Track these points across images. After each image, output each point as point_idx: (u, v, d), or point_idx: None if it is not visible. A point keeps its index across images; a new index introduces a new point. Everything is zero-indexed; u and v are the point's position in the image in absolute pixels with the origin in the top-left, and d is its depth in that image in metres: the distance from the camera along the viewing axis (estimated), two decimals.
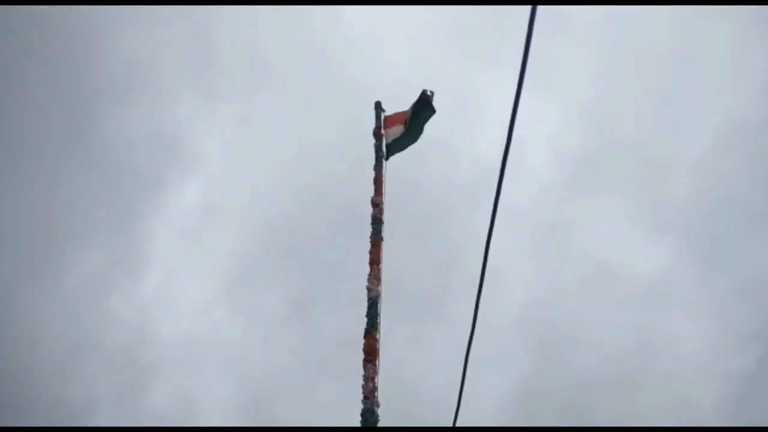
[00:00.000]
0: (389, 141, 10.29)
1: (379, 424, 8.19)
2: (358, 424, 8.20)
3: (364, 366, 8.53)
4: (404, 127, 10.10)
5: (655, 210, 27.40)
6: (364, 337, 8.75)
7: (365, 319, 8.92)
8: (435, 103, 9.92)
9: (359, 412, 8.29)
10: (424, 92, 9.90)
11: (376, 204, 9.75)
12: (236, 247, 28.86)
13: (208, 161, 30.85)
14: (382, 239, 9.50)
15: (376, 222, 9.63)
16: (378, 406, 8.31)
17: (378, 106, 10.68)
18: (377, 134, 10.40)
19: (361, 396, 8.38)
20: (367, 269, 9.23)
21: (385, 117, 10.56)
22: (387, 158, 10.27)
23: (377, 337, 8.72)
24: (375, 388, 8.37)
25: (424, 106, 9.92)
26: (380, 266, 9.25)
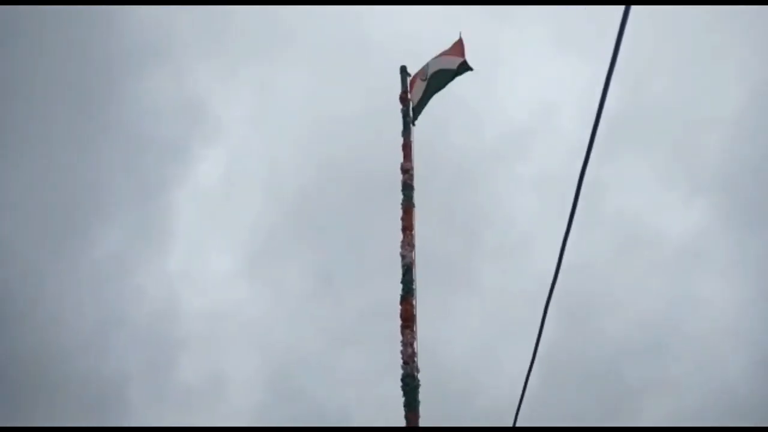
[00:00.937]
0: (415, 104, 10.15)
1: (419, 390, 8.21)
2: (399, 389, 8.22)
3: (402, 332, 8.52)
4: (424, 83, 9.96)
5: (689, 170, 26.84)
6: (401, 303, 8.73)
7: (400, 286, 8.90)
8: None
9: (399, 377, 8.31)
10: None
11: (406, 170, 9.64)
12: (259, 219, 28.80)
13: (230, 131, 30.54)
14: (413, 205, 9.41)
15: (407, 188, 9.53)
16: (418, 371, 8.32)
17: (404, 71, 10.50)
18: (404, 99, 10.24)
19: (401, 361, 8.39)
20: (395, 237, 9.19)
21: (411, 81, 10.40)
22: (414, 122, 10.12)
23: (413, 303, 8.70)
24: (414, 353, 8.37)
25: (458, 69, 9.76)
26: (413, 232, 9.18)
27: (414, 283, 8.82)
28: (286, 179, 28.34)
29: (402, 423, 8.02)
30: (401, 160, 9.86)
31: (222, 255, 30.02)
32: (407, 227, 9.19)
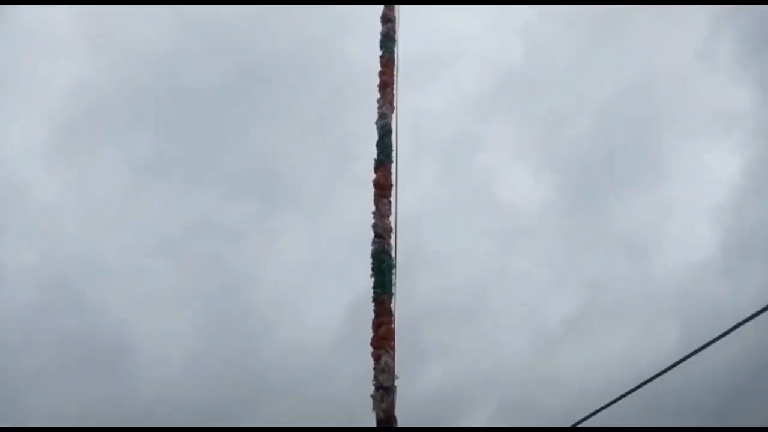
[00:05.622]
0: None
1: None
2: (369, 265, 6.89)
3: (377, 202, 7.19)
4: None
5: (550, 147, 27.35)
6: (376, 169, 7.37)
7: (375, 150, 7.51)
8: None
9: (369, 253, 6.98)
10: None
11: (389, 19, 8.15)
12: (92, 78, 23.82)
13: None
14: (394, 59, 7.95)
15: (388, 39, 8.05)
16: (392, 248, 7.02)
17: None
18: None
19: (373, 235, 7.05)
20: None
21: None
22: None
23: (391, 169, 7.33)
24: (390, 228, 7.05)
25: None
26: (393, 89, 7.73)
27: (393, 147, 7.44)
28: (149, 34, 23.61)
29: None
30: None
31: (25, 117, 24.65)
32: (387, 83, 7.76)
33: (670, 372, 4.94)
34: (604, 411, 5.21)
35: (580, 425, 5.65)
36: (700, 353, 4.80)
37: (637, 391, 5.05)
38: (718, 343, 4.73)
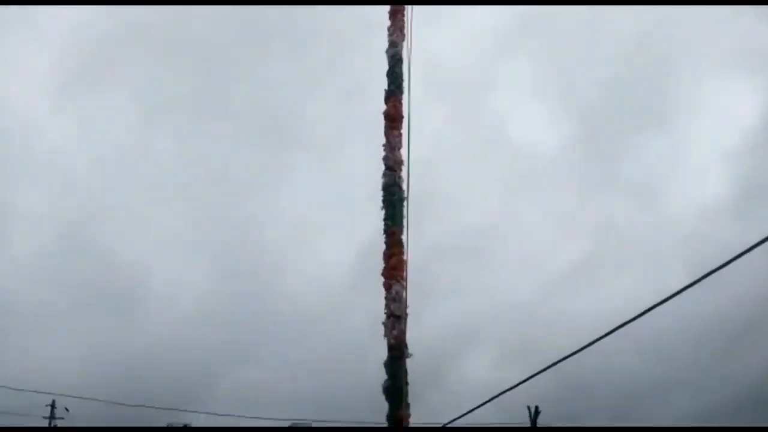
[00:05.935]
0: None
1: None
2: (381, 199, 6.76)
3: (387, 133, 7.00)
4: None
5: (566, 87, 26.75)
6: (387, 99, 7.14)
7: (385, 80, 7.25)
8: None
9: (381, 186, 6.83)
10: None
11: None
12: (95, 19, 23.56)
13: None
14: None
15: None
16: (403, 180, 6.87)
17: None
18: None
19: (383, 168, 6.89)
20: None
21: None
22: None
23: (401, 100, 7.10)
24: (401, 160, 6.88)
25: None
26: (404, 16, 7.41)
27: (404, 78, 7.19)
28: None
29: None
30: None
31: (30, 59, 24.45)
32: (397, 10, 7.43)
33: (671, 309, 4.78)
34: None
35: (450, 425, 5.67)
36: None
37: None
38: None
